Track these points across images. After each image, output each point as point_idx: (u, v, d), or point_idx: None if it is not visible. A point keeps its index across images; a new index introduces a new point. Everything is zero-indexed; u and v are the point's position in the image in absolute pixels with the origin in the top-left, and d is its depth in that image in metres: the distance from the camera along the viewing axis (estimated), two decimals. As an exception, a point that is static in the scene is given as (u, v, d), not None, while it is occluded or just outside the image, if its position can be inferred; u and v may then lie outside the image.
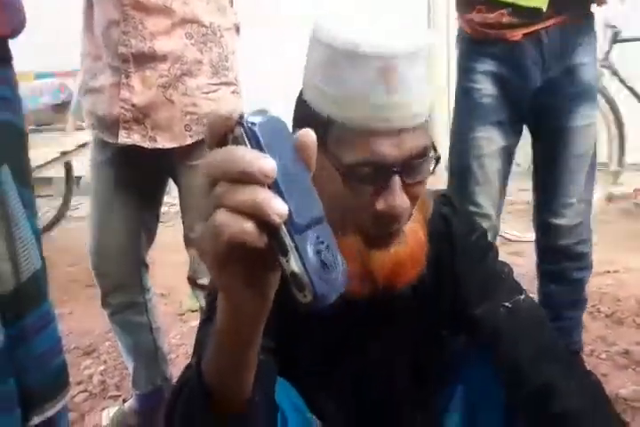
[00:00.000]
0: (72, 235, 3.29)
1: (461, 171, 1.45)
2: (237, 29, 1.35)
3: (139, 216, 1.37)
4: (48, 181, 5.35)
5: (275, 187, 0.35)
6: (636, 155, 4.02)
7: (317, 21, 0.64)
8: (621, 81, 2.95)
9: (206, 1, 1.22)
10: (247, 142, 0.35)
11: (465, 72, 1.42)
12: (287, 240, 0.35)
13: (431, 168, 0.66)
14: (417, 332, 0.83)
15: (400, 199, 0.62)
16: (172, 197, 1.35)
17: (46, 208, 3.81)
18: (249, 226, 0.33)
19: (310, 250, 0.36)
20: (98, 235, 1.37)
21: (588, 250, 1.52)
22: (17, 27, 0.89)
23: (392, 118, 0.61)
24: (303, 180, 0.38)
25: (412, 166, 0.63)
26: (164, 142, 1.22)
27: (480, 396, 0.83)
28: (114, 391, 1.74)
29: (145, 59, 1.18)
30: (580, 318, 1.60)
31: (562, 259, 1.51)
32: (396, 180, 0.62)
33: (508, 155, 1.45)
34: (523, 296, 0.81)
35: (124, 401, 1.63)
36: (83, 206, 4.14)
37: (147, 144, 1.22)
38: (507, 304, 0.79)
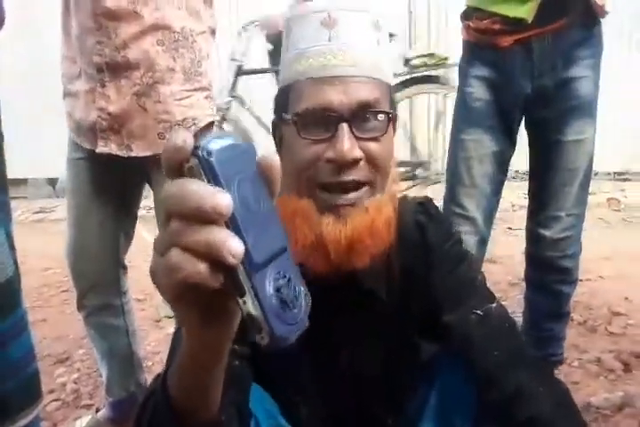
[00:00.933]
0: (47, 238, 3.23)
1: (451, 172, 1.48)
2: (213, 32, 1.33)
3: (116, 217, 1.36)
4: (23, 182, 5.27)
5: (232, 222, 0.33)
6: (611, 164, 4.13)
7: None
8: (249, 111, 3.07)
9: (177, 6, 1.21)
10: (203, 174, 0.33)
11: (462, 76, 1.46)
12: (244, 281, 0.34)
13: (385, 128, 0.69)
14: (388, 338, 0.83)
15: (349, 147, 0.65)
16: (151, 201, 1.34)
17: (20, 211, 3.75)
18: (202, 267, 0.32)
19: (269, 289, 0.34)
20: (75, 234, 1.35)
21: (573, 265, 1.50)
22: None
23: (334, 65, 0.66)
24: (265, 209, 0.36)
25: (360, 117, 0.67)
26: (138, 151, 1.22)
27: (453, 401, 0.84)
28: (87, 400, 1.71)
29: (119, 68, 1.18)
30: (561, 330, 1.59)
31: (546, 270, 1.52)
32: (344, 126, 0.65)
33: (500, 161, 1.44)
34: (495, 304, 0.82)
35: (98, 410, 1.60)
36: (59, 209, 4.08)
37: (123, 153, 1.22)
38: (478, 312, 0.80)
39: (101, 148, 1.22)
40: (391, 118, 0.70)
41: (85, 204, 1.33)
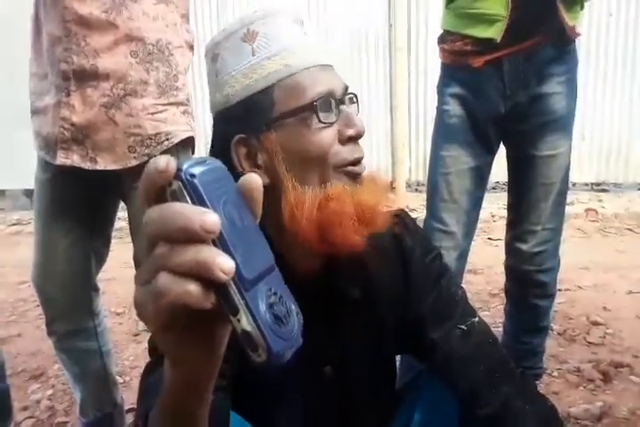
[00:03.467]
0: (24, 251, 3.17)
1: (430, 188, 1.49)
2: (191, 47, 1.30)
3: (86, 239, 1.31)
4: (0, 193, 5.18)
5: (220, 241, 0.33)
6: (588, 175, 4.21)
7: None
8: None
9: (153, 17, 1.18)
10: (187, 196, 0.33)
11: (439, 95, 1.48)
12: (237, 298, 0.33)
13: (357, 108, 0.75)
14: (366, 350, 0.82)
15: (362, 124, 0.71)
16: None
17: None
18: (193, 287, 0.32)
19: (262, 305, 0.34)
20: (42, 258, 1.30)
21: (550, 279, 1.50)
22: None
23: (318, 54, 0.72)
24: (250, 229, 0.36)
25: (349, 99, 0.74)
26: (105, 164, 1.17)
27: (438, 417, 0.83)
28: (62, 417, 1.67)
29: (86, 76, 1.13)
30: (539, 344, 1.59)
31: (522, 284, 1.52)
32: (346, 108, 0.72)
33: (478, 176, 1.45)
34: (476, 319, 0.82)
35: (72, 428, 1.57)
36: (36, 221, 4.00)
37: (87, 165, 1.16)
38: (462, 327, 0.80)
39: (62, 159, 1.16)
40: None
41: (52, 226, 1.28)
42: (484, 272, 2.77)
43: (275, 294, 0.36)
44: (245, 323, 0.33)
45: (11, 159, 4.37)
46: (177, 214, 0.32)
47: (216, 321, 0.36)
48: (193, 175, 0.33)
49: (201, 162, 0.34)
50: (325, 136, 0.69)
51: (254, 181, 0.37)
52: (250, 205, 0.37)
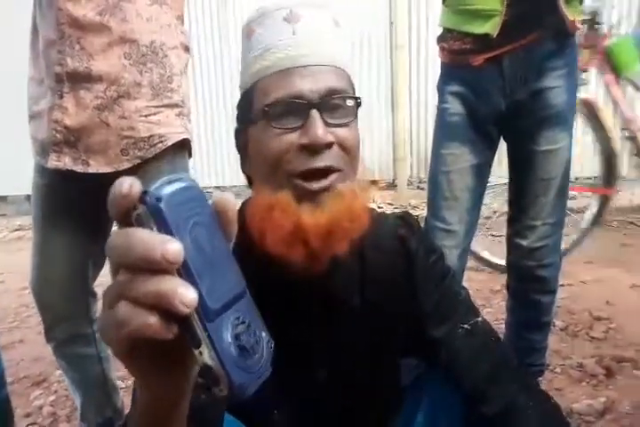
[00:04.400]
0: (26, 256, 3.18)
1: (431, 186, 1.49)
2: (186, 49, 1.29)
3: (84, 244, 1.31)
4: (3, 199, 5.20)
5: (184, 270, 0.31)
6: (591, 169, 4.17)
7: None
8: None
9: (147, 18, 1.17)
10: (151, 221, 0.31)
11: (439, 94, 1.48)
12: (199, 330, 0.32)
13: (354, 114, 0.70)
14: (368, 353, 0.81)
15: (321, 132, 0.65)
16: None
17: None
18: (153, 320, 0.31)
19: (227, 336, 0.33)
20: (39, 264, 1.30)
21: (551, 274, 1.49)
22: None
23: (301, 55, 0.68)
24: (221, 253, 0.34)
25: (330, 104, 0.68)
26: (98, 167, 1.16)
27: (441, 417, 0.82)
28: (64, 423, 1.67)
29: (79, 78, 1.12)
30: (541, 341, 1.57)
31: (523, 279, 1.51)
32: (315, 113, 0.66)
33: (479, 173, 1.44)
34: (480, 318, 0.82)
35: (74, 434, 1.57)
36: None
37: (79, 168, 1.16)
38: (465, 326, 0.80)
39: (54, 162, 1.16)
40: (359, 105, 0.71)
41: (50, 231, 1.28)
42: (485, 269, 2.76)
43: (243, 322, 0.34)
44: (207, 356, 0.32)
45: (13, 165, 4.38)
46: (139, 242, 0.31)
47: (181, 350, 0.35)
48: (159, 199, 0.31)
49: (172, 181, 0.33)
50: (279, 141, 0.67)
51: (227, 202, 0.36)
52: (223, 226, 0.35)
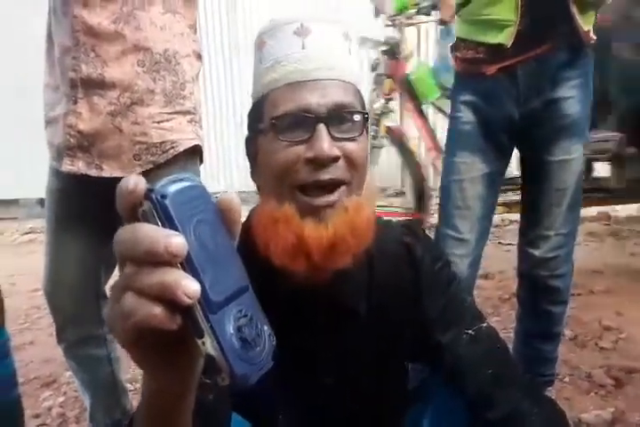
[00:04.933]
0: (37, 259, 3.21)
1: (443, 194, 1.49)
2: (199, 57, 1.31)
3: (96, 247, 1.32)
4: (14, 202, 5.26)
5: (187, 264, 0.33)
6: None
7: None
8: None
9: (160, 27, 1.19)
10: (156, 217, 0.33)
11: (452, 103, 1.49)
12: (201, 321, 0.33)
13: (361, 129, 0.71)
14: (374, 358, 0.82)
15: (328, 146, 0.66)
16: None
17: (10, 231, 3.73)
18: (157, 310, 0.32)
19: (229, 328, 0.34)
20: (52, 267, 1.31)
21: (563, 285, 1.48)
22: None
23: (309, 69, 0.69)
24: (224, 249, 0.36)
25: (337, 118, 0.69)
26: (111, 171, 1.18)
27: (447, 422, 0.83)
28: (73, 425, 1.68)
29: (93, 85, 1.15)
30: (551, 351, 1.56)
31: (535, 289, 1.51)
32: (322, 127, 0.67)
33: (491, 182, 1.44)
34: (485, 324, 0.83)
35: (83, 435, 1.58)
36: (49, 229, 4.05)
37: (92, 172, 1.18)
38: (470, 331, 0.80)
39: (67, 166, 1.18)
40: (366, 119, 0.72)
41: (63, 234, 1.30)
42: (495, 277, 2.76)
43: (245, 315, 0.35)
44: (209, 346, 0.33)
45: (24, 169, 4.43)
46: (143, 236, 0.32)
47: (186, 340, 0.36)
48: (164, 196, 0.33)
49: (178, 180, 0.34)
50: (286, 154, 0.68)
51: (232, 201, 0.37)
52: (227, 225, 0.37)
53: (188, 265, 0.33)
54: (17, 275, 3.21)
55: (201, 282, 0.32)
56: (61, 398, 1.83)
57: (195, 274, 0.33)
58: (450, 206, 1.46)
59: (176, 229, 0.33)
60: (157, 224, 0.33)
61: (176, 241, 0.32)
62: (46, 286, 1.33)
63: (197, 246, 0.33)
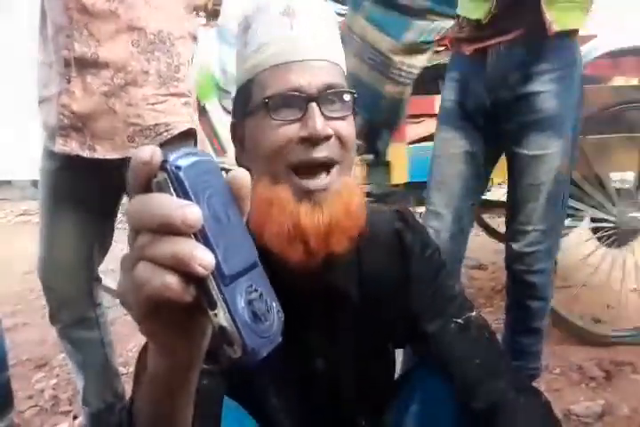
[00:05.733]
0: (31, 241, 3.20)
1: (428, 170, 1.51)
2: (194, 38, 1.29)
3: (90, 229, 1.32)
4: (8, 183, 5.22)
5: (201, 235, 0.32)
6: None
7: None
8: None
9: (155, 7, 1.17)
10: (171, 188, 0.32)
11: (445, 79, 1.52)
12: (215, 292, 0.33)
13: (350, 108, 0.71)
14: (363, 344, 0.82)
15: (321, 125, 0.66)
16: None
17: (3, 213, 3.70)
18: (172, 280, 0.32)
19: (240, 301, 0.34)
20: (46, 248, 1.31)
21: (541, 281, 1.45)
22: None
23: (298, 49, 0.69)
24: (235, 224, 0.35)
25: (328, 98, 0.69)
26: (104, 152, 1.17)
27: (434, 410, 0.83)
28: (66, 406, 1.69)
29: (86, 64, 1.13)
30: (530, 345, 1.54)
31: (514, 283, 1.50)
32: (314, 106, 0.67)
33: (474, 163, 1.43)
34: (474, 313, 0.82)
35: (75, 418, 1.58)
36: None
37: (85, 153, 1.17)
38: (458, 321, 0.80)
39: (60, 146, 1.17)
40: (355, 99, 0.73)
41: (56, 216, 1.29)
42: (488, 268, 2.77)
43: (255, 290, 0.35)
44: (222, 318, 0.33)
45: (18, 150, 4.40)
46: (159, 206, 0.32)
47: (198, 312, 0.35)
48: (179, 167, 0.32)
49: (190, 154, 0.34)
50: (279, 133, 0.68)
51: (243, 178, 0.37)
52: (237, 201, 0.36)
53: (202, 237, 0.32)
54: (10, 257, 3.20)
55: (214, 254, 0.32)
56: (54, 381, 1.84)
57: (208, 246, 0.32)
58: (430, 180, 1.48)
59: (190, 200, 0.32)
60: (172, 195, 0.32)
61: (192, 211, 0.31)
62: (40, 267, 1.33)
63: (211, 219, 0.33)
